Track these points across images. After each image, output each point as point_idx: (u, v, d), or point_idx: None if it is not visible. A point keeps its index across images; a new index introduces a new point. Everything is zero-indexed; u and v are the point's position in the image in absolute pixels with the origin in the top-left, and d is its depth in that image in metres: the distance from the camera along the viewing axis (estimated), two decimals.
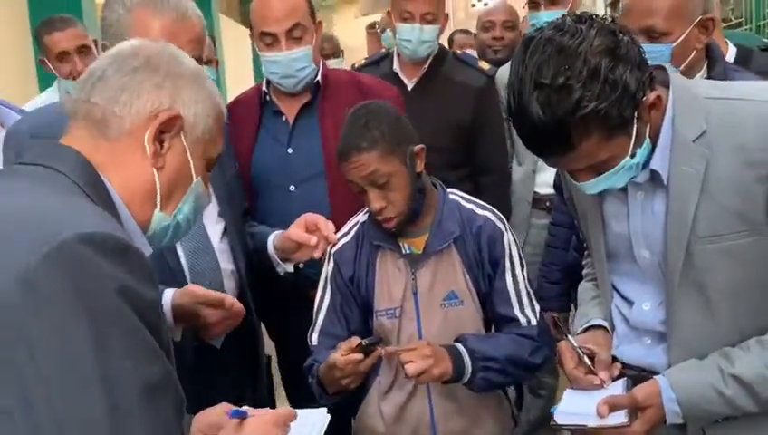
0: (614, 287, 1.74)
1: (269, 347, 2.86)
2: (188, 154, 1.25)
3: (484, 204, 2.11)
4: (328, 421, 1.56)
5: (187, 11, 1.84)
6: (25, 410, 0.90)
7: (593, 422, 1.55)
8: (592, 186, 1.51)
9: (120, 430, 0.94)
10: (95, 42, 3.60)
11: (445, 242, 2.01)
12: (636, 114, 1.40)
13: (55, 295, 0.92)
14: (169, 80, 1.22)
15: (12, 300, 0.91)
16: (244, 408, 1.41)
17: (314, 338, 2.11)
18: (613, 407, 1.54)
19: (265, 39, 2.44)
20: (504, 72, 3.36)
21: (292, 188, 2.47)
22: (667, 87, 1.53)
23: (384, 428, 2.08)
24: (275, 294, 2.46)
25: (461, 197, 2.11)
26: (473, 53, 4.12)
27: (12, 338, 0.91)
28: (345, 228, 2.12)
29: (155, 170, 1.20)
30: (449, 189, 2.12)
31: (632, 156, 1.46)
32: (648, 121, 1.47)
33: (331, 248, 2.08)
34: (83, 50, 3.44)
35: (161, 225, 1.24)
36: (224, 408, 1.42)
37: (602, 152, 1.41)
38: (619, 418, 1.54)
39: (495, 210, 2.10)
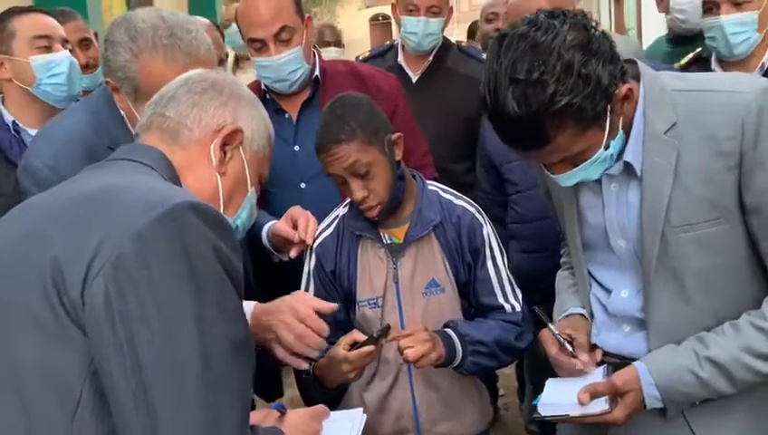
0: (592, 276, 1.77)
1: None
2: (246, 166, 1.42)
3: (462, 195, 2.14)
4: (365, 420, 1.66)
5: (200, 51, 1.78)
6: (129, 345, 1.04)
7: (575, 412, 1.58)
8: (567, 178, 1.54)
9: (208, 375, 1.06)
10: (95, 34, 3.59)
11: (425, 230, 2.03)
12: (609, 107, 1.44)
13: (164, 251, 1.07)
14: (232, 100, 1.41)
15: (126, 252, 1.05)
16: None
17: None
18: (593, 394, 1.56)
19: (254, 44, 2.41)
20: None
21: (302, 185, 2.45)
22: (638, 80, 1.56)
23: (367, 418, 2.08)
24: (283, 290, 2.46)
25: (439, 187, 2.14)
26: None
27: (123, 284, 1.05)
28: (326, 222, 2.13)
29: (218, 176, 1.36)
30: (427, 181, 2.15)
31: (606, 147, 1.49)
32: (621, 114, 1.50)
33: (313, 243, 2.10)
34: (84, 43, 3.42)
35: None
36: (265, 412, 1.53)
37: (577, 145, 1.45)
38: (600, 405, 1.57)
39: (472, 201, 2.13)
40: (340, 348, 1.87)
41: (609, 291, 1.72)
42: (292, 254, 2.01)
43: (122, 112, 1.89)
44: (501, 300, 2.08)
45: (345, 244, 2.09)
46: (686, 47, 3.55)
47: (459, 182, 2.80)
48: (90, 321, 1.05)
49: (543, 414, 1.63)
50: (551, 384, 1.70)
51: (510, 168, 2.63)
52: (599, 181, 1.62)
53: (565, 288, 1.90)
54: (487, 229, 2.08)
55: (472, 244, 2.06)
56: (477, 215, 2.09)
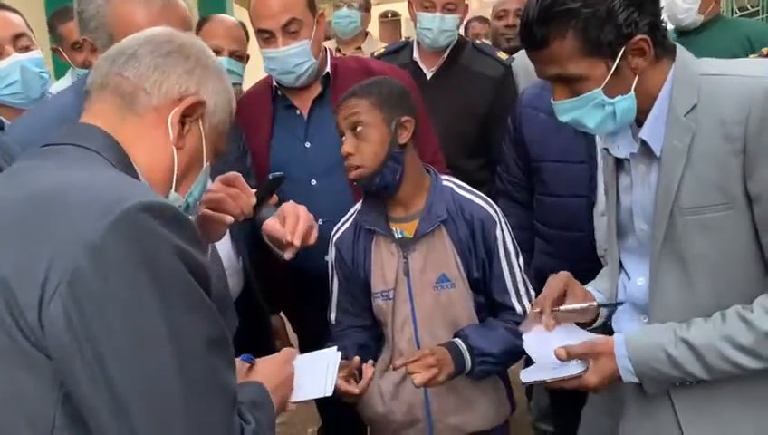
0: (621, 263, 1.79)
1: (293, 339, 2.87)
2: (204, 140, 1.31)
3: (478, 192, 2.15)
4: (339, 358, 1.68)
5: None
6: (99, 363, 0.98)
7: (550, 376, 1.66)
8: (562, 108, 1.58)
9: (186, 379, 1.02)
10: None
11: (433, 225, 2.05)
12: (621, 51, 1.48)
13: (122, 259, 1.00)
14: (198, 68, 1.29)
15: (81, 267, 0.98)
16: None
17: (332, 317, 2.22)
18: (569, 353, 1.62)
19: (263, 35, 2.41)
20: (519, 60, 3.35)
21: (313, 181, 2.45)
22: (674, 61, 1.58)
23: (382, 405, 2.15)
24: (291, 288, 2.45)
25: (455, 184, 2.15)
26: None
27: (83, 302, 0.98)
28: (346, 216, 2.20)
29: (175, 150, 1.26)
30: (444, 176, 2.16)
31: (609, 95, 1.51)
32: (636, 71, 1.52)
33: (333, 235, 2.17)
34: None
35: (175, 205, 1.25)
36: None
37: (573, 65, 1.50)
38: (575, 368, 1.63)
39: (488, 199, 2.14)
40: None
41: (630, 278, 1.75)
42: (287, 256, 1.94)
43: None
44: (514, 301, 2.10)
45: (361, 237, 2.14)
46: (690, 38, 3.58)
47: (472, 179, 2.79)
48: (52, 344, 0.99)
49: (525, 380, 1.73)
50: (530, 345, 1.75)
51: (545, 167, 2.56)
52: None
53: (602, 274, 1.91)
54: (501, 227, 2.09)
55: (487, 241, 2.08)
56: (492, 212, 2.10)
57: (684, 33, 3.67)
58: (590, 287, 1.82)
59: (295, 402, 1.53)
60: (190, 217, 1.35)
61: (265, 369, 1.47)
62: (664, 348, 1.55)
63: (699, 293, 1.57)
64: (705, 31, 3.63)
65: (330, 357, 1.68)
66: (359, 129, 1.99)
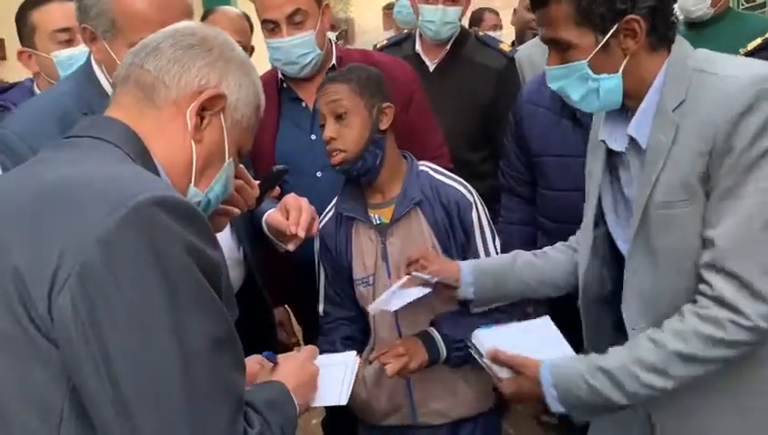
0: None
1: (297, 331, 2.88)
2: (225, 135, 1.29)
3: (455, 176, 2.17)
4: (357, 365, 1.70)
5: None
6: (104, 358, 0.98)
7: (484, 362, 1.77)
8: (552, 76, 1.60)
9: (190, 379, 1.01)
10: None
11: (407, 208, 2.08)
12: (614, 28, 1.49)
13: (132, 255, 0.99)
14: (220, 61, 1.28)
15: (92, 260, 0.98)
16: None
17: (321, 308, 2.25)
18: (496, 358, 1.71)
19: (267, 26, 2.41)
20: (523, 53, 3.34)
21: (318, 173, 2.46)
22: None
23: (365, 392, 2.18)
24: (294, 280, 2.46)
25: (431, 168, 2.18)
26: (495, 34, 4.13)
27: (91, 295, 0.98)
28: (329, 206, 2.22)
29: (193, 143, 1.25)
30: (420, 162, 2.19)
31: (595, 72, 1.53)
32: (626, 52, 1.52)
33: (319, 226, 2.16)
34: None
35: (194, 200, 1.27)
36: (257, 359, 1.51)
37: (564, 30, 1.52)
38: (502, 372, 1.73)
39: (465, 183, 2.16)
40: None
41: None
42: (290, 247, 1.97)
43: (100, 73, 1.80)
44: None
45: (342, 226, 2.17)
46: (699, 30, 3.57)
47: (475, 171, 2.80)
48: (60, 336, 0.99)
49: (469, 345, 1.83)
50: (503, 330, 1.86)
51: (546, 161, 2.55)
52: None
53: None
54: (477, 210, 2.11)
55: (463, 223, 2.10)
56: (468, 195, 2.12)
57: (693, 26, 3.66)
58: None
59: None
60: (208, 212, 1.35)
61: (288, 368, 1.48)
62: (583, 377, 1.57)
63: (665, 283, 1.59)
64: (714, 24, 3.62)
65: (348, 364, 1.67)
66: (341, 114, 2.01)
